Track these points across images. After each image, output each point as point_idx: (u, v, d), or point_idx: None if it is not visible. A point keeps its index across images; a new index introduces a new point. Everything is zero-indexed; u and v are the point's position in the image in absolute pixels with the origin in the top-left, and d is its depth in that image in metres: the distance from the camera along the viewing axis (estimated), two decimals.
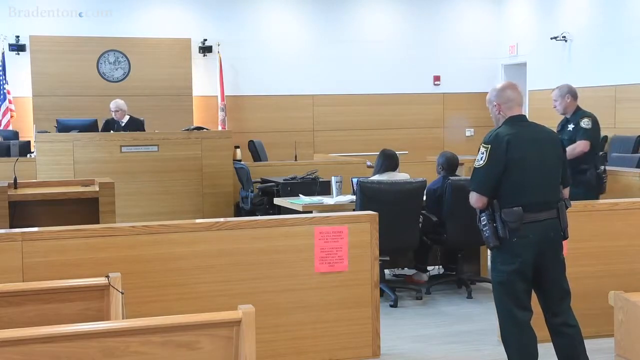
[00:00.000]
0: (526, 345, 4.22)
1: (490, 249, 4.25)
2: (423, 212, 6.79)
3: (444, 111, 14.24)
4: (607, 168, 9.06)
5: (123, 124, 9.75)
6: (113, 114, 9.82)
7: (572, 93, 6.87)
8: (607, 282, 5.33)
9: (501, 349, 5.32)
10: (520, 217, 4.08)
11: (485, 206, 4.18)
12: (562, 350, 4.30)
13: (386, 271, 7.16)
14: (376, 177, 6.77)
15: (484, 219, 4.18)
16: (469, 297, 6.69)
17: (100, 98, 12.07)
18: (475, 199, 4.20)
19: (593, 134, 6.75)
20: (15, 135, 11.15)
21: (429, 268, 7.36)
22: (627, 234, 5.55)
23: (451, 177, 6.82)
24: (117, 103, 9.87)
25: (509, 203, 4.11)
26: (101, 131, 9.83)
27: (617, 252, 5.53)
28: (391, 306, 6.40)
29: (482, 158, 4.15)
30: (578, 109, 6.89)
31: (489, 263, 7.25)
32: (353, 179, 7.04)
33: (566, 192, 4.38)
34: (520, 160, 4.13)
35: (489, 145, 4.15)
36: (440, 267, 7.44)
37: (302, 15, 13.59)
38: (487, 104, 4.41)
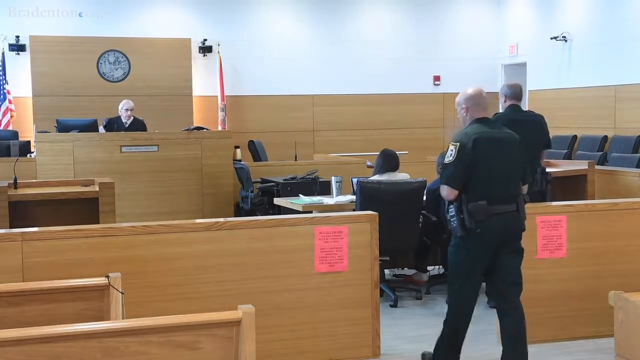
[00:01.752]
0: (466, 313, 4.70)
1: (455, 238, 4.60)
2: (423, 212, 6.79)
3: (444, 111, 14.24)
4: (608, 168, 9.08)
5: (127, 125, 9.75)
6: (127, 112, 9.76)
7: (509, 94, 6.48)
8: (607, 282, 5.33)
9: (501, 349, 5.33)
10: (485, 209, 4.46)
11: (454, 199, 4.53)
12: (509, 330, 4.64)
13: (386, 271, 7.16)
14: (376, 177, 6.77)
15: (452, 211, 4.55)
16: None
17: (100, 98, 12.08)
18: (447, 192, 4.55)
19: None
20: (15, 135, 11.15)
21: (428, 268, 7.35)
22: (627, 234, 5.55)
23: None
24: (130, 103, 9.85)
25: (476, 196, 4.47)
26: (104, 129, 9.83)
27: (617, 252, 5.53)
28: (391, 306, 6.39)
29: (451, 155, 4.54)
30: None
31: None
32: (353, 179, 7.04)
33: (524, 188, 4.75)
34: (486, 157, 4.51)
35: (458, 143, 4.54)
36: (440, 267, 7.43)
37: (301, 15, 13.59)
38: (456, 106, 4.79)
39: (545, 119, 6.65)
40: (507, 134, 4.71)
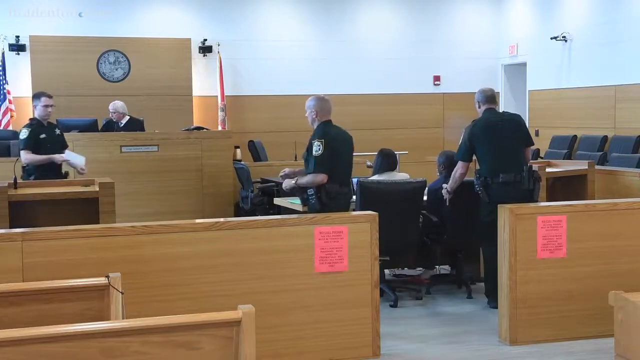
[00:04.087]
0: None
1: (312, 212, 5.66)
2: (423, 212, 6.77)
3: (444, 111, 14.24)
4: (608, 168, 9.09)
5: (122, 125, 9.75)
6: (111, 114, 9.82)
7: (481, 99, 6.46)
8: (607, 282, 5.32)
9: (501, 349, 5.34)
10: (338, 190, 5.71)
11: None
12: None
13: (386, 271, 7.15)
14: (375, 177, 6.77)
15: (311, 192, 5.72)
16: (469, 297, 6.68)
17: (100, 98, 12.06)
18: (321, 178, 5.66)
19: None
20: (15, 135, 11.14)
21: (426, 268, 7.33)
22: (627, 234, 5.55)
23: None
24: (115, 105, 9.85)
25: (331, 180, 5.68)
26: (101, 130, 9.83)
27: (617, 252, 5.52)
28: (391, 306, 6.39)
29: (319, 148, 5.69)
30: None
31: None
32: (353, 179, 7.03)
33: None
34: (337, 150, 5.75)
35: (323, 139, 5.72)
36: (442, 266, 7.41)
37: (302, 15, 13.59)
38: (306, 109, 5.98)
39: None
40: (346, 133, 6.00)
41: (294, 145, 11.25)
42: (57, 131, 7.56)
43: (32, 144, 7.20)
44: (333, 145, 5.73)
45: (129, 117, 9.88)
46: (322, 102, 6.00)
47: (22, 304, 3.57)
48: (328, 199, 5.67)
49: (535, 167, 6.52)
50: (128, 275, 4.15)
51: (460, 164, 6.43)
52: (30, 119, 7.46)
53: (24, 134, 7.28)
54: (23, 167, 7.28)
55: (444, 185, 6.57)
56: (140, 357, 2.85)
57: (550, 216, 5.41)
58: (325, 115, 5.95)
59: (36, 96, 7.45)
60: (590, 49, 12.15)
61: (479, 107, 6.48)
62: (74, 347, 2.80)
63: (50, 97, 7.43)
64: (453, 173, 6.47)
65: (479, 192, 6.23)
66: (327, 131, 5.82)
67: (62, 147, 7.45)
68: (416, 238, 6.64)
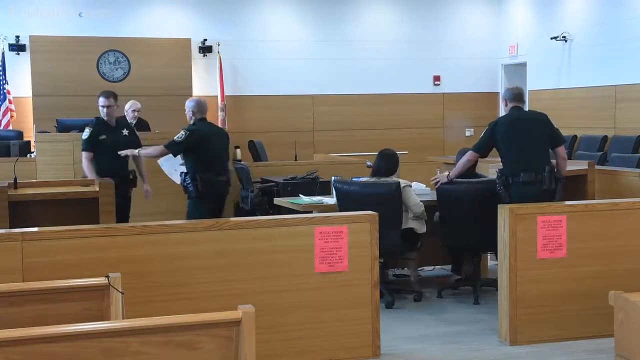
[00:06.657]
0: None
1: (191, 198, 6.78)
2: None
3: (444, 111, 14.24)
4: (607, 168, 9.07)
5: (132, 125, 9.70)
6: (133, 113, 9.64)
7: (508, 96, 6.43)
8: (607, 282, 5.32)
9: (501, 349, 5.34)
10: (211, 178, 6.74)
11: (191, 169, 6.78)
12: None
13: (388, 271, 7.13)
14: (355, 179, 6.79)
15: (188, 180, 6.72)
16: (476, 302, 6.50)
17: None
18: (162, 152, 6.88)
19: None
20: (19, 135, 11.15)
21: (427, 268, 7.29)
22: (627, 234, 5.55)
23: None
24: (137, 104, 9.78)
25: (206, 169, 6.73)
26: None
27: (617, 252, 5.52)
28: (386, 307, 6.32)
29: (182, 135, 6.73)
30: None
31: (489, 263, 7.24)
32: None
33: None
34: (207, 143, 6.76)
35: (189, 131, 6.75)
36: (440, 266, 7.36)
37: (302, 15, 13.59)
38: (186, 109, 6.96)
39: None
40: (219, 129, 7.31)
41: (294, 145, 11.26)
42: (125, 132, 7.23)
43: (92, 145, 6.96)
44: (199, 138, 6.71)
45: (137, 117, 9.86)
46: (199, 104, 6.99)
47: (22, 304, 3.57)
48: (204, 185, 6.67)
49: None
50: (128, 275, 4.15)
51: (470, 152, 6.38)
52: (96, 118, 7.16)
53: (85, 133, 7.02)
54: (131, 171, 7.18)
55: (439, 174, 6.55)
56: (140, 357, 2.85)
57: (550, 216, 5.41)
58: (201, 114, 6.94)
59: (99, 95, 7.16)
60: (590, 49, 12.15)
61: (506, 104, 6.43)
62: (74, 347, 2.80)
63: (107, 96, 7.09)
64: (460, 160, 6.42)
65: (500, 191, 6.17)
66: (198, 127, 6.83)
67: (130, 149, 7.07)
68: (397, 240, 6.31)
